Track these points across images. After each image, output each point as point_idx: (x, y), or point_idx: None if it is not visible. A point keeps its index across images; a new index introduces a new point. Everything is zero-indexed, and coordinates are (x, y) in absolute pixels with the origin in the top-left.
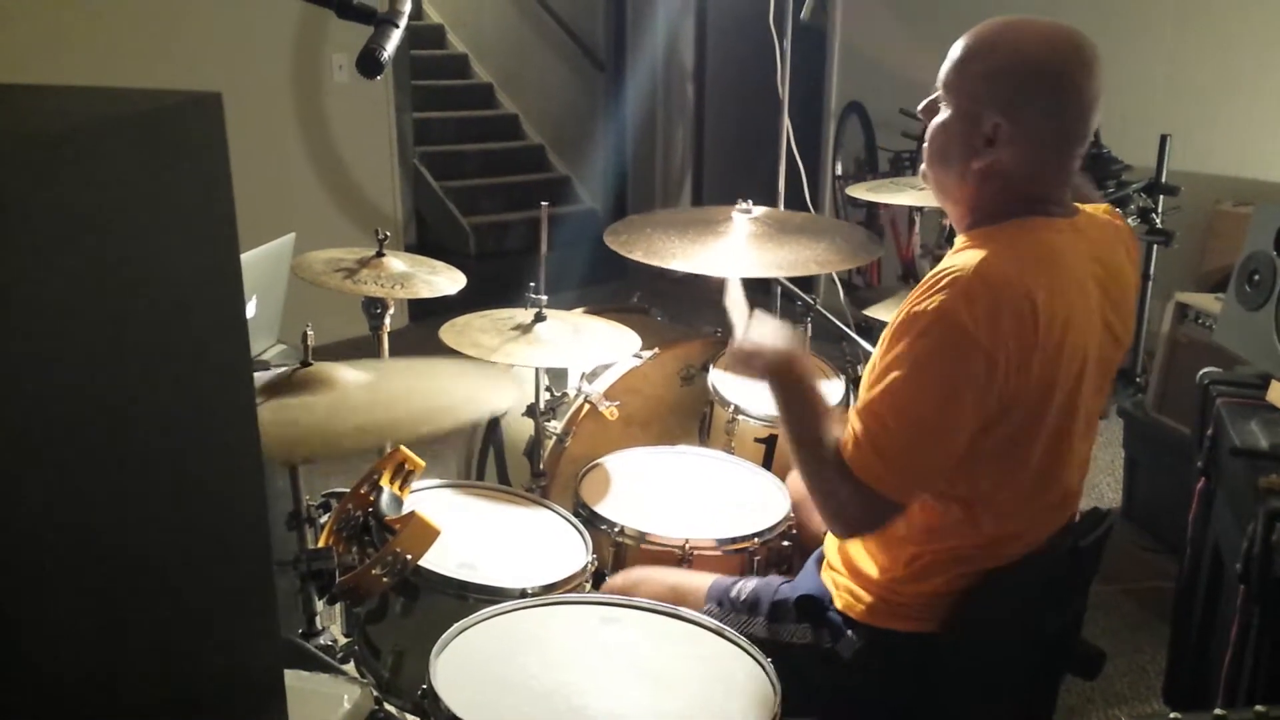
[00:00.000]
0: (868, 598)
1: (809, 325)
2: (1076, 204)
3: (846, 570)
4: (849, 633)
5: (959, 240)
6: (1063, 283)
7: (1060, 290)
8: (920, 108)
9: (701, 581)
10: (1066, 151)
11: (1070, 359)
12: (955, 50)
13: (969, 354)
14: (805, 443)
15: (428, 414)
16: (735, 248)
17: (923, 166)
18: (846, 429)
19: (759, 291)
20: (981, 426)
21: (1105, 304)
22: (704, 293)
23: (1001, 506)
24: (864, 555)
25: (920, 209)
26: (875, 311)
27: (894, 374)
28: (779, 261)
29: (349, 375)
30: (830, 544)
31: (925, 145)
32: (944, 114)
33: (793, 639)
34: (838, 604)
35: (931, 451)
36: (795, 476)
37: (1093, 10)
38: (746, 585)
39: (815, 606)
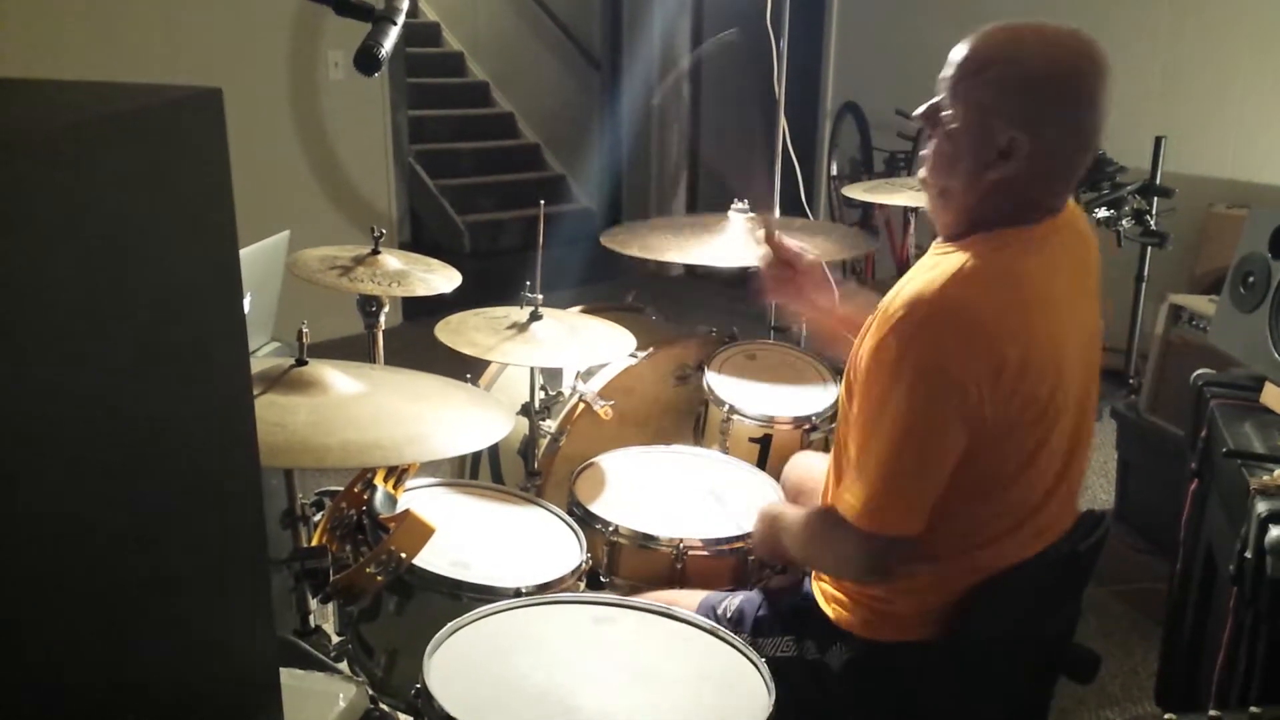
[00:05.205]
0: (861, 610)
1: (803, 325)
2: None
3: (838, 583)
4: (838, 644)
5: (933, 248)
6: (1026, 301)
7: (1022, 309)
8: (920, 113)
9: (691, 600)
10: (1080, 161)
11: (1039, 380)
12: (963, 56)
13: (944, 391)
14: (802, 539)
15: (417, 440)
16: (732, 241)
17: (921, 172)
18: (845, 484)
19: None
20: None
21: (1083, 300)
22: (698, 293)
23: (975, 525)
24: None
25: (915, 209)
26: None
27: (878, 423)
28: None
29: (342, 382)
30: None
31: (929, 153)
32: (951, 124)
33: (777, 652)
34: (830, 615)
35: (926, 483)
36: (787, 474)
37: (1087, 12)
38: (733, 602)
39: (803, 618)
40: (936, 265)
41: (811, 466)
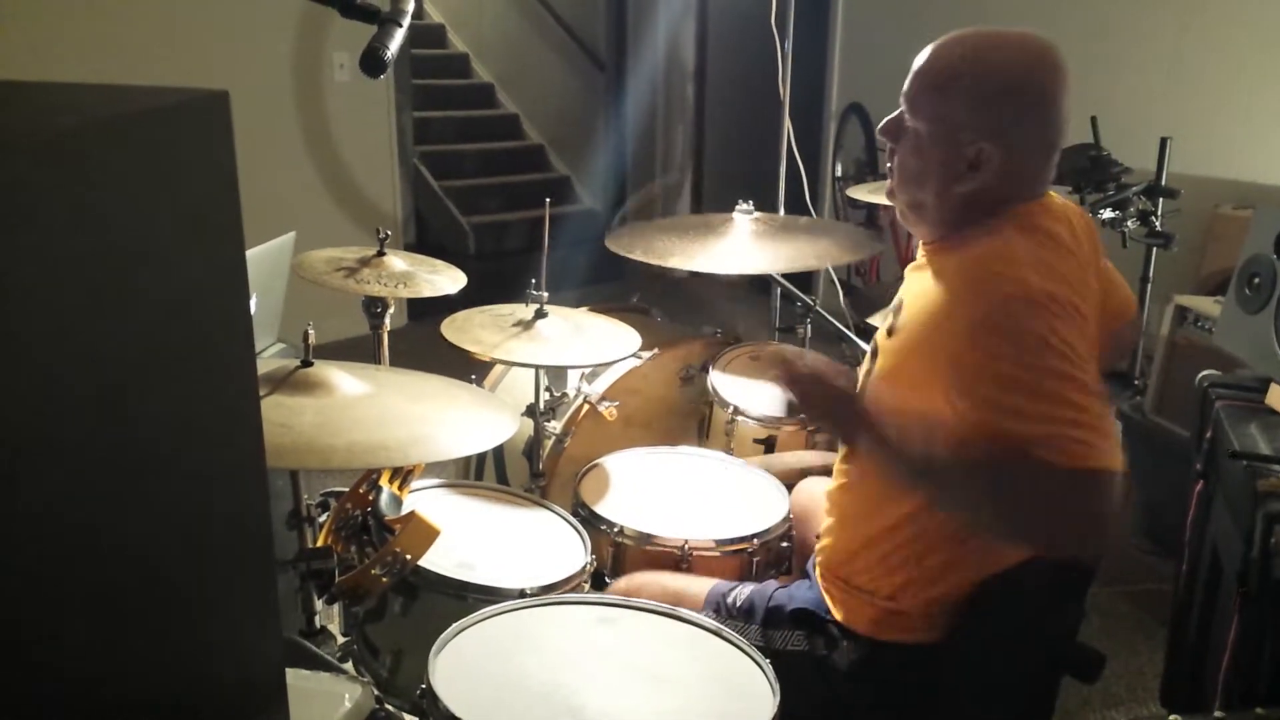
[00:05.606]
0: (870, 610)
1: (808, 326)
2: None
3: (845, 584)
4: (845, 643)
5: (923, 252)
6: (1080, 265)
7: (1061, 269)
8: (882, 128)
9: (701, 587)
10: (1049, 159)
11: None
12: (922, 69)
13: (1053, 311)
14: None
15: (422, 441)
16: (737, 245)
17: (890, 184)
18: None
19: (759, 292)
20: None
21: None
22: (703, 294)
23: None
24: (863, 569)
25: None
26: (877, 319)
27: (1026, 362)
28: (780, 257)
29: (348, 383)
30: (827, 558)
31: (894, 168)
32: (915, 137)
33: (787, 646)
34: (837, 615)
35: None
36: (795, 498)
37: (1093, 13)
38: (743, 592)
39: (812, 618)
40: (966, 258)
41: (815, 494)
